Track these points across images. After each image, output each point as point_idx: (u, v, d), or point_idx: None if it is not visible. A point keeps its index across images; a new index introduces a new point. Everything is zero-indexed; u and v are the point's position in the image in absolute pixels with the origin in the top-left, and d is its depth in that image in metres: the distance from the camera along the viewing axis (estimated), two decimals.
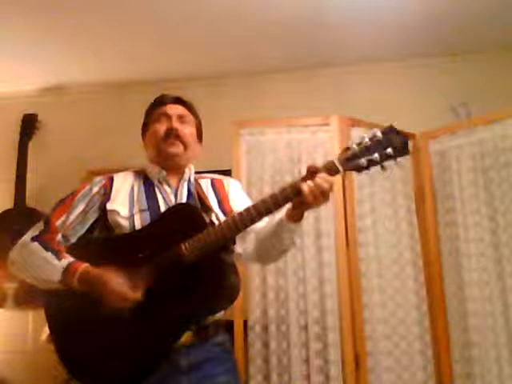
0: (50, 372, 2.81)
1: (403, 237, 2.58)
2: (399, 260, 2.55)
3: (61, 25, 2.76)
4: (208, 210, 1.59)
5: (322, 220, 2.49)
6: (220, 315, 1.55)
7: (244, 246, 1.63)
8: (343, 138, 2.55)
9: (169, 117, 1.67)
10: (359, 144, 1.40)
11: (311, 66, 3.21)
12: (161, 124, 1.67)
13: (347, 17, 2.72)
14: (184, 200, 1.62)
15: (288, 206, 1.47)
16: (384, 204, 2.60)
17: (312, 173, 1.41)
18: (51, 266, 1.46)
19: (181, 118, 1.68)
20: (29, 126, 3.37)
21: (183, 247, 1.42)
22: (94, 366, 1.46)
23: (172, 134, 1.64)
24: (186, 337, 1.46)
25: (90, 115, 3.42)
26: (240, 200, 1.69)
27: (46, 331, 2.69)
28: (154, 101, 1.75)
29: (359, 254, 2.48)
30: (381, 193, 2.61)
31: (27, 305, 3.07)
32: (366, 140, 1.39)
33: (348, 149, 1.41)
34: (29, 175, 3.25)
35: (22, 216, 3.15)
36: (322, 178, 1.38)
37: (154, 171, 1.66)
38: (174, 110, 1.69)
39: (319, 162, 2.55)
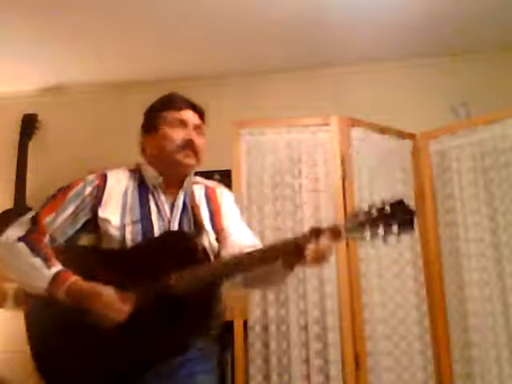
0: None
1: (403, 237, 2.57)
2: (399, 260, 2.55)
3: (61, 25, 2.76)
4: (200, 229, 1.57)
5: (321, 220, 2.49)
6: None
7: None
8: (343, 138, 2.55)
9: (185, 124, 1.62)
10: (367, 213, 1.40)
11: (311, 66, 3.21)
12: (176, 131, 1.60)
13: (347, 17, 2.72)
14: (178, 216, 1.58)
15: None
16: None
17: (315, 234, 1.40)
18: (38, 273, 1.41)
19: (197, 128, 1.64)
20: (29, 126, 3.36)
21: (173, 278, 1.40)
22: (67, 378, 1.44)
23: (190, 147, 1.59)
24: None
25: (90, 115, 3.42)
26: (232, 217, 1.67)
27: None
28: (165, 101, 1.68)
29: (359, 254, 2.48)
30: (381, 193, 2.61)
31: None
32: (374, 211, 1.39)
33: (355, 216, 1.41)
34: (29, 175, 3.25)
35: (21, 216, 3.14)
36: (324, 245, 1.38)
37: (150, 175, 1.62)
38: (192, 118, 1.64)
39: (319, 162, 2.58)
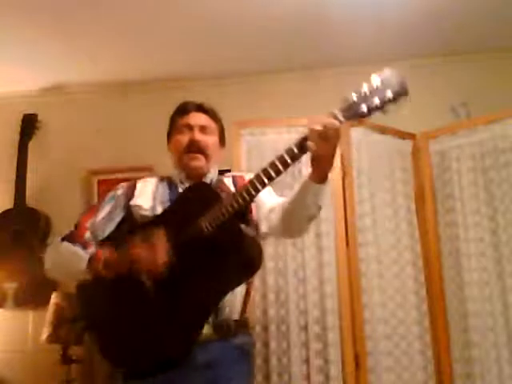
0: (49, 372, 2.82)
1: (403, 237, 2.58)
2: (399, 260, 2.55)
3: (61, 25, 2.76)
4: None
5: (321, 220, 2.49)
6: (238, 312, 1.58)
7: (269, 223, 1.63)
8: (343, 138, 2.54)
9: (191, 127, 1.70)
10: (357, 92, 1.37)
11: (312, 66, 3.21)
12: (183, 135, 1.71)
13: (347, 16, 2.72)
14: None
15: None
16: (384, 204, 2.60)
17: (312, 121, 1.40)
18: (78, 257, 1.53)
19: (203, 128, 1.72)
20: (29, 126, 3.36)
21: (202, 222, 1.44)
22: (119, 349, 1.50)
23: (194, 147, 1.68)
24: (206, 330, 1.47)
25: (90, 115, 3.42)
26: (263, 195, 1.66)
27: (46, 331, 2.71)
28: (177, 108, 1.78)
29: (359, 254, 2.48)
30: (381, 193, 2.61)
31: (27, 305, 3.07)
32: (364, 87, 1.37)
33: (347, 99, 1.39)
34: (29, 175, 3.24)
35: (21, 216, 3.15)
36: (323, 123, 1.37)
37: (175, 174, 1.73)
38: (197, 119, 1.72)
39: None
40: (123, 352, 1.50)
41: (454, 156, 2.57)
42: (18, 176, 3.23)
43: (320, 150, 1.36)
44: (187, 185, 1.68)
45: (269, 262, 2.47)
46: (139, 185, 1.72)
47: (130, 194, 1.69)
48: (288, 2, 2.60)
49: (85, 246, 1.57)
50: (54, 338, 2.69)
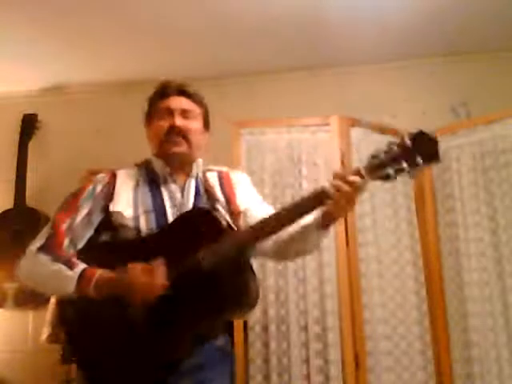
0: (49, 372, 2.82)
1: (403, 237, 2.58)
2: (399, 260, 2.55)
3: (61, 24, 2.76)
4: (216, 210, 1.54)
5: None
6: None
7: (259, 246, 1.55)
8: (343, 138, 2.55)
9: (171, 112, 1.60)
10: (387, 152, 1.31)
11: (311, 66, 3.20)
12: (163, 120, 1.60)
13: (348, 16, 2.72)
14: (191, 199, 1.57)
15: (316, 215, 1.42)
16: (384, 204, 2.60)
17: (337, 176, 1.34)
18: (63, 277, 1.40)
19: (184, 112, 1.61)
20: (29, 126, 3.36)
21: (200, 254, 1.37)
22: (103, 370, 1.44)
23: (174, 132, 1.57)
24: None
25: (90, 115, 3.42)
26: (249, 197, 1.63)
27: (46, 331, 2.71)
28: (157, 90, 1.67)
29: (359, 254, 2.48)
30: (381, 193, 2.61)
31: (27, 305, 3.06)
32: (395, 148, 1.30)
33: (375, 157, 1.32)
34: (29, 175, 3.24)
35: (21, 216, 3.15)
36: (348, 181, 1.31)
37: (157, 166, 1.61)
38: (178, 103, 1.61)
39: (319, 162, 2.58)
40: (104, 372, 1.43)
41: (454, 156, 2.57)
42: (17, 176, 3.23)
43: (338, 209, 1.34)
44: (171, 184, 1.58)
45: (269, 262, 2.47)
46: (119, 179, 1.58)
47: (108, 193, 1.55)
48: (288, 2, 2.60)
49: (68, 262, 1.43)
50: (54, 337, 2.69)
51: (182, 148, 1.58)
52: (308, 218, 1.43)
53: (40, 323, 2.83)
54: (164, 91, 1.65)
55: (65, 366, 2.72)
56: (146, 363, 1.39)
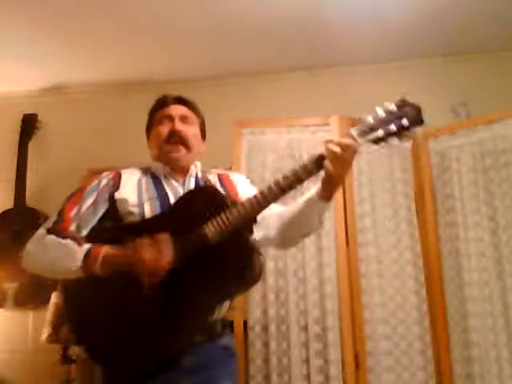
0: (49, 372, 2.82)
1: (403, 237, 2.58)
2: (399, 260, 2.55)
3: (61, 24, 2.76)
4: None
5: None
6: (226, 311, 1.54)
7: (263, 231, 1.59)
8: (343, 137, 2.54)
9: (171, 118, 1.67)
10: (375, 116, 1.39)
11: (311, 66, 3.21)
12: (163, 126, 1.67)
13: (348, 16, 2.72)
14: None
15: (315, 187, 1.48)
16: (384, 204, 2.60)
17: (329, 141, 1.41)
18: (71, 252, 1.42)
19: (184, 118, 1.68)
20: (29, 126, 3.36)
21: (207, 228, 1.40)
22: (110, 350, 1.45)
23: (175, 137, 1.64)
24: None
25: (90, 115, 3.42)
26: (249, 193, 1.63)
27: (46, 331, 2.71)
28: (157, 102, 1.74)
29: (359, 254, 2.48)
30: (381, 193, 2.61)
31: (27, 305, 3.07)
32: (381, 112, 1.39)
33: (363, 121, 1.41)
34: (29, 175, 3.24)
35: (21, 216, 3.15)
36: (341, 143, 1.41)
37: (159, 168, 1.66)
38: (177, 110, 1.69)
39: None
40: (114, 353, 1.44)
41: (453, 156, 2.57)
42: (17, 176, 3.23)
43: (335, 170, 1.39)
44: (173, 181, 1.63)
45: (269, 262, 2.47)
46: (124, 176, 1.63)
47: (114, 184, 1.60)
48: (288, 3, 2.60)
49: (76, 240, 1.46)
50: (54, 337, 2.69)
51: (180, 153, 1.65)
52: (308, 194, 1.51)
53: (40, 323, 2.83)
54: (164, 101, 1.73)
55: (65, 366, 2.72)
56: (149, 343, 1.40)
